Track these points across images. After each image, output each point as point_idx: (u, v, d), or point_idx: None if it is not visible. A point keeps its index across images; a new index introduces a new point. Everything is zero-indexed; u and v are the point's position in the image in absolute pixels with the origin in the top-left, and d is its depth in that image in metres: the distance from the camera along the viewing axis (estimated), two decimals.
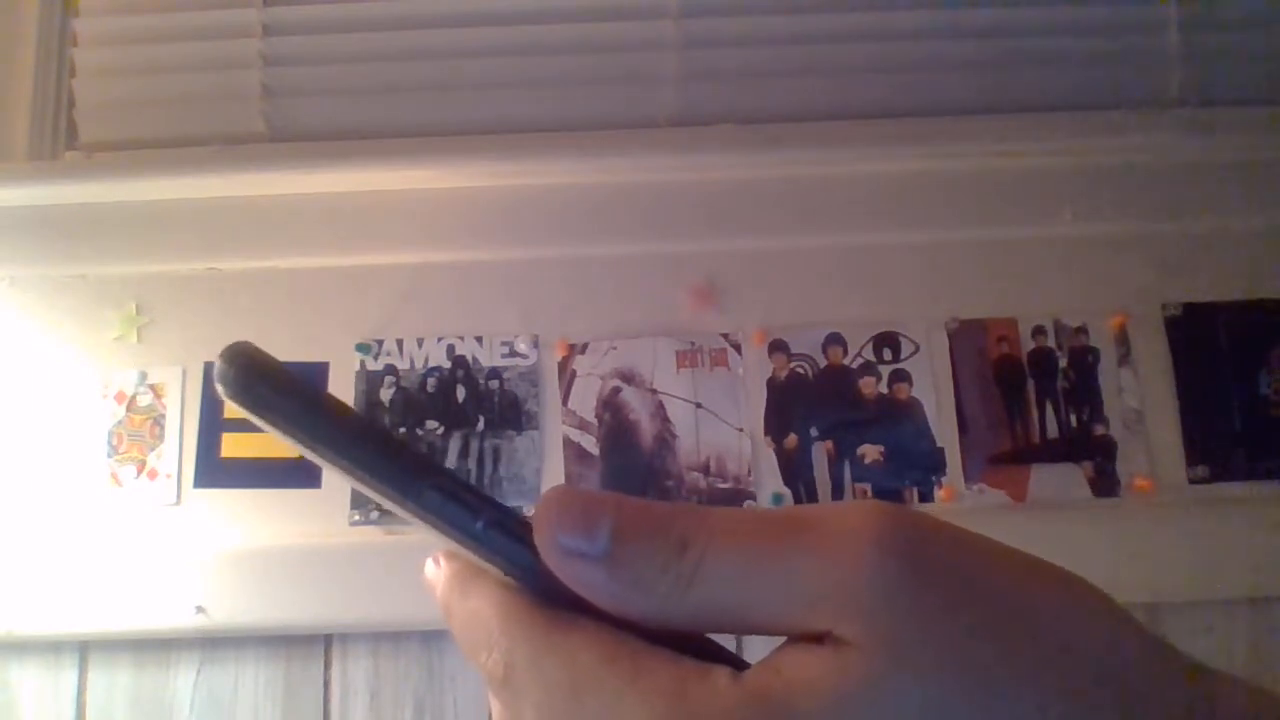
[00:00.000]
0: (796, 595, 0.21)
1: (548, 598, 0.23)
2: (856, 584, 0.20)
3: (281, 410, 0.22)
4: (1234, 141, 0.88)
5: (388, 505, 0.23)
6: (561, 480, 0.82)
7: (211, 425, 0.84)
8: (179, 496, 0.82)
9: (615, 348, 0.85)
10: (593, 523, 0.22)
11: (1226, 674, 0.21)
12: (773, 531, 0.21)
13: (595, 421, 0.84)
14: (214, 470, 0.83)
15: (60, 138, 0.94)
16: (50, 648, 0.81)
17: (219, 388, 0.22)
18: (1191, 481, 0.82)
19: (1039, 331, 0.85)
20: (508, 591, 0.24)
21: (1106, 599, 0.21)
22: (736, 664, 0.22)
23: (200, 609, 0.78)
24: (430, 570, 0.26)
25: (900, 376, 0.85)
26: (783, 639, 0.22)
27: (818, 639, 0.20)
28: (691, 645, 0.22)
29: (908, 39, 0.93)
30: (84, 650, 0.81)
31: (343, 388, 0.84)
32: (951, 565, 0.21)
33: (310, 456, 0.23)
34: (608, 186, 0.88)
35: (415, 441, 0.84)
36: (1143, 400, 0.84)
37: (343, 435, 0.22)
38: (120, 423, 0.84)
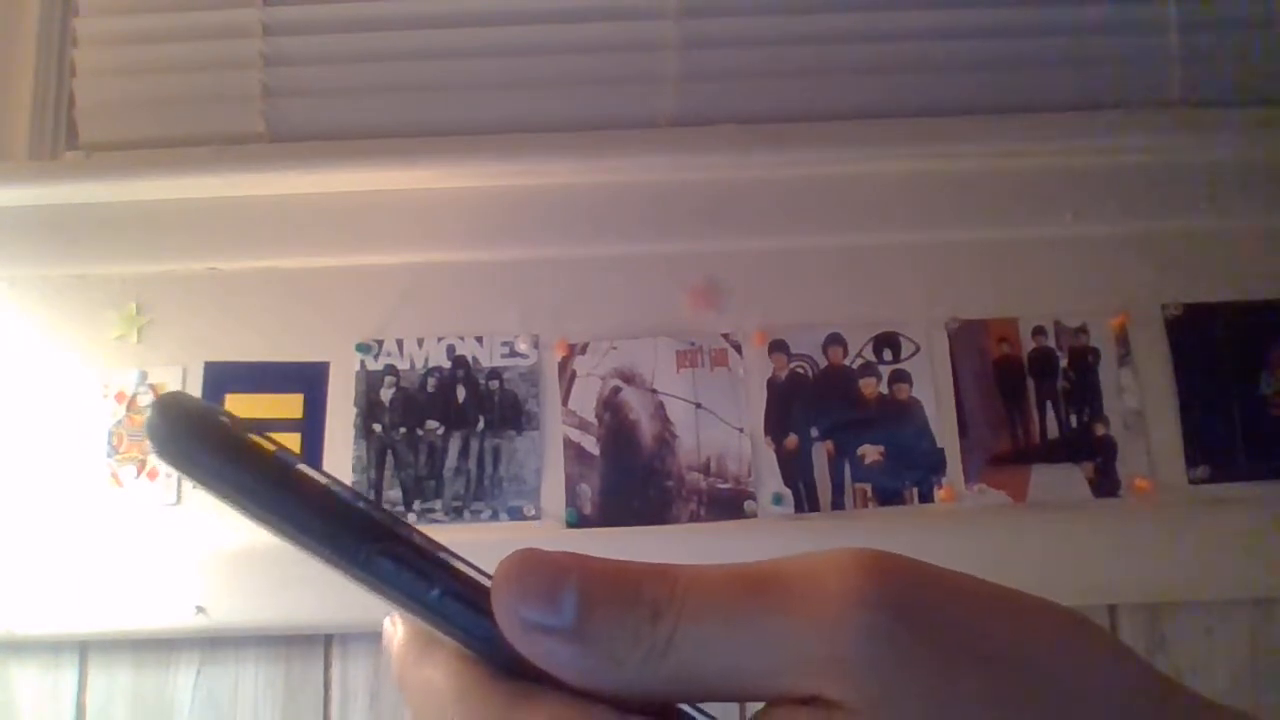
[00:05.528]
0: (779, 660, 0.19)
1: (509, 669, 0.21)
2: (842, 644, 0.19)
3: (211, 470, 0.20)
4: (1234, 141, 0.88)
5: (337, 573, 0.21)
6: (561, 480, 0.82)
7: None
8: (179, 496, 0.82)
9: (615, 348, 0.85)
10: (556, 592, 0.20)
11: (1233, 709, 0.20)
12: (749, 592, 0.20)
13: (595, 421, 0.84)
14: None
15: (60, 138, 0.94)
16: (50, 648, 0.81)
17: (148, 442, 0.21)
18: (1191, 481, 0.82)
19: (1039, 331, 0.85)
20: (465, 661, 0.22)
21: (1108, 637, 0.20)
22: None
23: (200, 609, 0.78)
24: (387, 629, 0.24)
25: (900, 377, 0.84)
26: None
27: (803, 701, 0.19)
28: (660, 712, 0.21)
29: (908, 39, 0.93)
30: (84, 650, 0.81)
31: (343, 388, 0.85)
32: (942, 616, 0.20)
33: (251, 521, 0.21)
34: (608, 186, 0.88)
35: (416, 442, 0.84)
36: (1143, 400, 0.84)
37: (281, 497, 0.21)
38: (120, 423, 0.84)
